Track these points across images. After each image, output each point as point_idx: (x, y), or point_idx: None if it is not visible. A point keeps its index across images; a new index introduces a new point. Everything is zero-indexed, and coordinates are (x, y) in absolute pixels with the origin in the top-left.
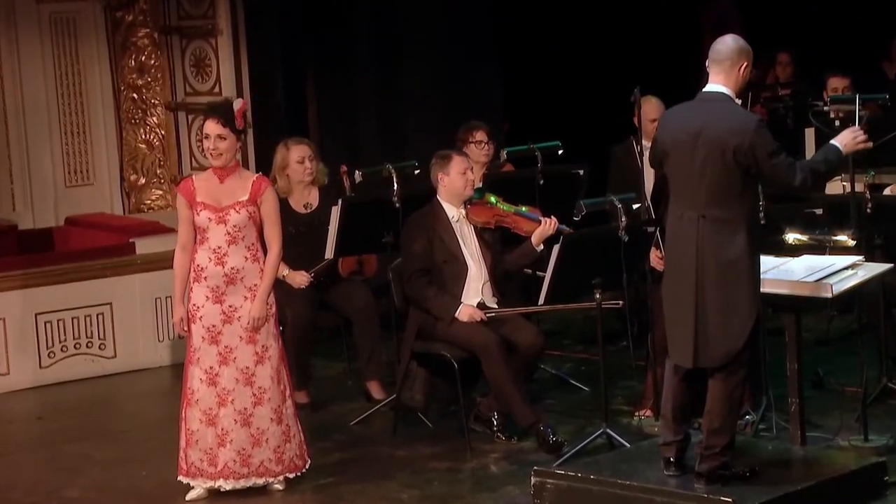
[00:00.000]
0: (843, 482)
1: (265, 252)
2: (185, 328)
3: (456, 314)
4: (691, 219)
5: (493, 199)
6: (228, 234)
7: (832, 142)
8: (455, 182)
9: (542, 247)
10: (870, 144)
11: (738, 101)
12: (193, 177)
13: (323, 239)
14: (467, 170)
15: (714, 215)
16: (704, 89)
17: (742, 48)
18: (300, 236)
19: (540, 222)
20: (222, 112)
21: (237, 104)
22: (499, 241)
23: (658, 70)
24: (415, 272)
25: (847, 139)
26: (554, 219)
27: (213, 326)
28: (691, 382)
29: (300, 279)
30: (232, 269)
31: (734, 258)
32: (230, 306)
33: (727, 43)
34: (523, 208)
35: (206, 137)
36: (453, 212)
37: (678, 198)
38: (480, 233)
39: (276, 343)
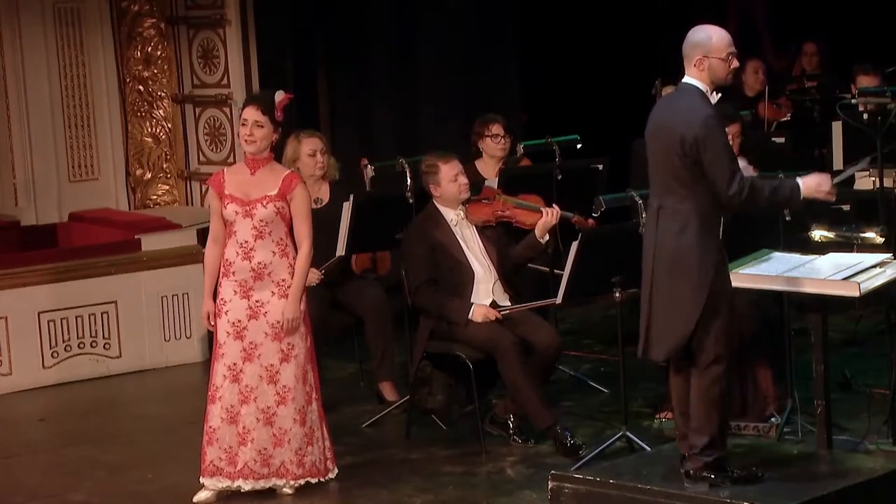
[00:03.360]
0: (871, 487)
1: (295, 246)
2: (212, 323)
3: (469, 315)
4: (653, 209)
5: (498, 196)
6: (255, 228)
7: (797, 178)
8: (448, 190)
9: (546, 238)
10: (832, 198)
11: (716, 95)
12: (225, 169)
13: (334, 235)
14: (458, 174)
15: (668, 205)
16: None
17: (695, 42)
18: None
19: (541, 213)
20: (263, 101)
21: (279, 96)
22: (504, 235)
23: (681, 60)
24: (421, 284)
25: (812, 182)
26: (556, 208)
27: (239, 322)
28: (687, 376)
29: (310, 276)
30: (259, 263)
31: (683, 250)
32: (257, 301)
33: (687, 37)
34: (523, 201)
35: (244, 124)
36: (451, 215)
37: (650, 188)
38: (482, 231)
39: (304, 342)
